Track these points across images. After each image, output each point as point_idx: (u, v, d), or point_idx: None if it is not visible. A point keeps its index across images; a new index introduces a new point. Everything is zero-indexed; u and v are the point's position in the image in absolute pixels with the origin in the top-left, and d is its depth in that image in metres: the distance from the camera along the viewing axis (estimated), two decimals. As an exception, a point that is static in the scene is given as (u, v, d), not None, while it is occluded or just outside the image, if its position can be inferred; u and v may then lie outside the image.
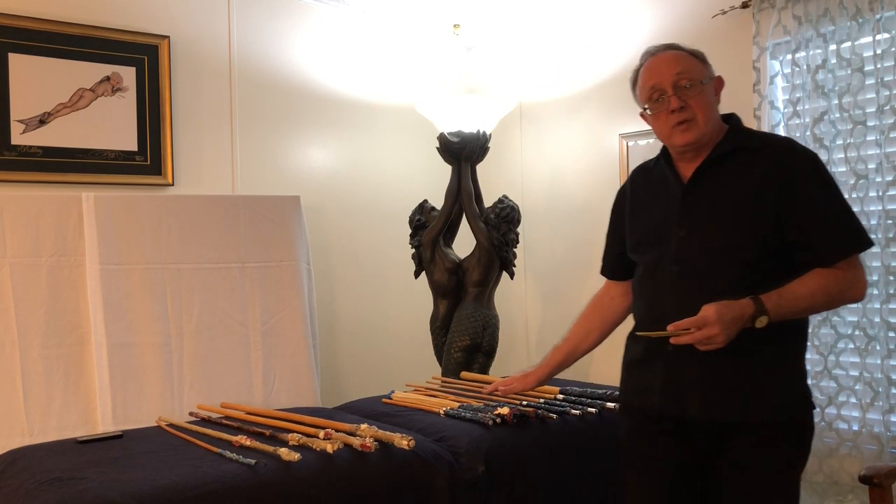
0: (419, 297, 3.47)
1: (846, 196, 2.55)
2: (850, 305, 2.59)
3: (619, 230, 2.05)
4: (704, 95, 1.80)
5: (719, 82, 1.87)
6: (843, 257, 1.72)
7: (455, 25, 3.55)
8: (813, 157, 1.78)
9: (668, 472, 1.85)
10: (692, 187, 1.83)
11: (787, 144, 1.82)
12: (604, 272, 2.16)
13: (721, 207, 1.77)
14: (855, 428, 2.59)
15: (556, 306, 3.76)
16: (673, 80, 1.79)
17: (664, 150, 1.93)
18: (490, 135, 3.35)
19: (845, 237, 1.73)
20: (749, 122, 2.84)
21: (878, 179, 2.53)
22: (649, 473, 1.88)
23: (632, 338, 1.94)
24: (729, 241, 1.75)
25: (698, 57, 1.84)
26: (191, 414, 2.70)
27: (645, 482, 1.89)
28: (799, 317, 1.75)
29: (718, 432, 1.76)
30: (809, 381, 2.68)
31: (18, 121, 2.82)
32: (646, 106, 1.86)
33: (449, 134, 3.30)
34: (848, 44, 2.57)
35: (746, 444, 1.74)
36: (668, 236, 1.83)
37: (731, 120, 1.89)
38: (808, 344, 2.66)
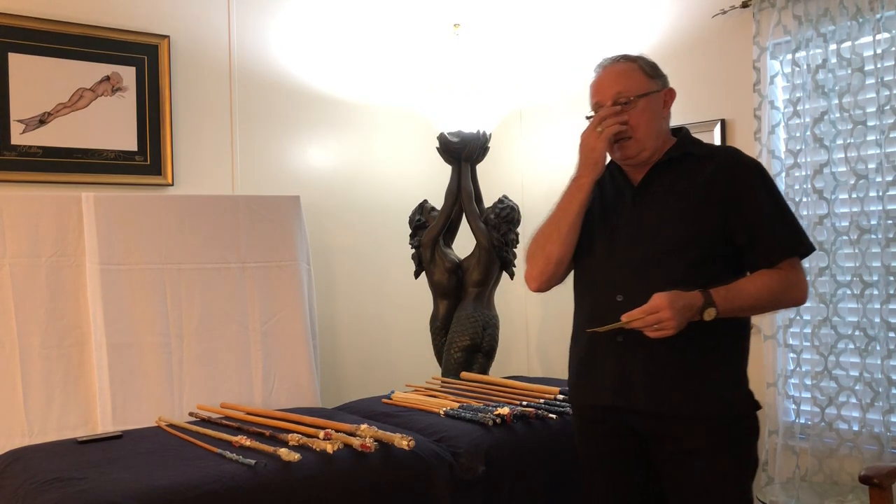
0: (419, 298, 3.47)
1: (846, 196, 2.60)
2: (849, 305, 2.61)
3: None
4: (644, 111, 1.86)
5: (669, 94, 1.93)
6: (787, 257, 1.80)
7: (455, 25, 3.55)
8: (758, 165, 1.89)
9: (622, 472, 1.91)
10: (642, 189, 1.90)
11: (733, 152, 1.93)
12: None
13: (669, 207, 1.85)
14: (855, 428, 2.59)
15: (556, 306, 3.76)
16: (613, 98, 1.87)
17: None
18: (490, 135, 3.35)
19: (789, 239, 1.82)
20: (749, 123, 2.86)
21: (878, 179, 2.53)
22: (606, 475, 1.94)
23: (576, 338, 2.00)
24: (676, 238, 1.82)
25: (646, 70, 1.90)
26: (191, 414, 2.70)
27: (604, 484, 1.95)
28: (745, 314, 1.84)
29: (667, 424, 1.82)
30: (809, 382, 2.71)
31: (18, 121, 2.82)
32: (589, 115, 1.94)
33: (449, 134, 3.30)
34: (848, 43, 2.57)
35: (692, 435, 1.79)
36: (616, 234, 1.90)
37: (681, 132, 1.96)
38: (808, 344, 2.69)
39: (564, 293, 3.86)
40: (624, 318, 1.75)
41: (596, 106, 1.92)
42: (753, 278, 1.80)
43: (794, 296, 1.84)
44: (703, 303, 1.72)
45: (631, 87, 1.86)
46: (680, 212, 1.83)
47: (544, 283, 2.01)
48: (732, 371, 1.85)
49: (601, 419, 1.92)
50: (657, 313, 1.70)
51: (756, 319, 1.96)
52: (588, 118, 1.94)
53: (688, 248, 1.80)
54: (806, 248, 1.84)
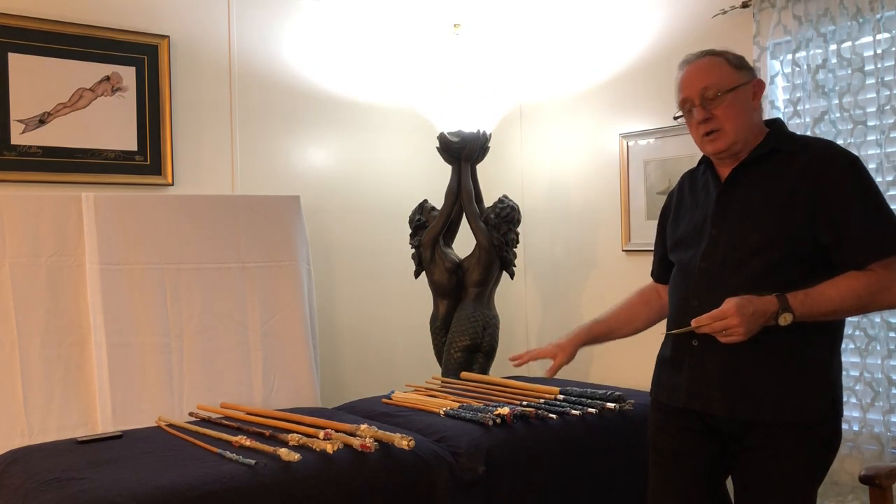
0: (419, 297, 3.47)
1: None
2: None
3: (663, 233, 2.11)
4: (733, 104, 1.82)
5: (758, 85, 1.88)
6: (876, 259, 1.70)
7: (455, 25, 3.54)
8: (851, 159, 1.78)
9: (693, 467, 1.90)
10: (728, 188, 1.87)
11: (825, 146, 1.83)
12: (652, 273, 2.20)
13: (753, 207, 1.80)
14: (855, 428, 2.59)
15: (556, 306, 3.76)
16: (700, 93, 1.83)
17: (705, 155, 1.96)
18: (490, 135, 3.35)
19: (878, 238, 1.70)
20: (749, 122, 2.86)
21: (879, 179, 2.52)
22: (675, 468, 1.93)
23: (664, 337, 1.98)
24: (757, 239, 1.77)
25: (732, 63, 1.86)
26: (191, 414, 2.70)
27: (671, 476, 1.94)
28: (829, 318, 1.73)
29: (742, 427, 1.80)
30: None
31: (18, 121, 2.82)
32: (678, 115, 1.92)
33: (449, 134, 3.30)
34: (848, 43, 2.57)
35: (768, 439, 1.77)
36: (702, 236, 1.87)
37: (774, 124, 1.91)
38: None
39: (564, 293, 3.85)
40: (693, 322, 1.73)
41: (683, 102, 1.87)
42: (837, 281, 1.69)
43: (884, 299, 1.71)
44: (777, 308, 1.66)
45: (718, 82, 1.82)
46: (762, 214, 1.77)
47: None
48: (815, 376, 1.76)
49: (679, 414, 1.90)
50: (724, 319, 1.66)
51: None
52: (676, 118, 1.92)
53: (768, 252, 1.75)
54: None
